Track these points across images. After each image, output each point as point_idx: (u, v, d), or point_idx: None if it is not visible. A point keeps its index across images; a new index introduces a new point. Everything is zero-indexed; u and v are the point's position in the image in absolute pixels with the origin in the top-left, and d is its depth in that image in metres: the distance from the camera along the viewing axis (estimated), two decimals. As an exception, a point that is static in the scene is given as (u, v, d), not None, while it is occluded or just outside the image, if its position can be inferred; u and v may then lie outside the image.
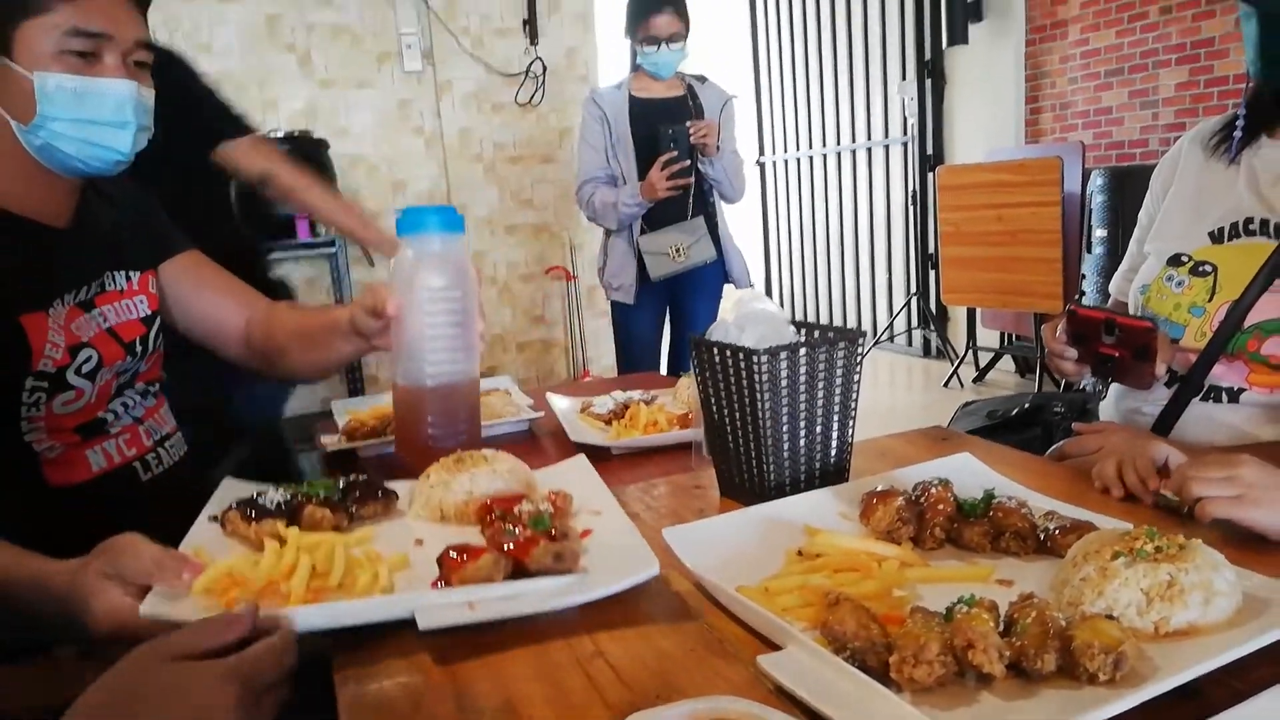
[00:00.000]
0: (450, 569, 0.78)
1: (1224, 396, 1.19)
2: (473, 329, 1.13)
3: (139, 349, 1.19)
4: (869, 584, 0.75)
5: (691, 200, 3.09)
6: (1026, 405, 1.77)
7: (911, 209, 5.55)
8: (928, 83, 5.36)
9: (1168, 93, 4.16)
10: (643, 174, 3.01)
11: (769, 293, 7.24)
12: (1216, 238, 1.22)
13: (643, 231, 3.11)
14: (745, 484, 0.99)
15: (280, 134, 3.62)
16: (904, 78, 5.51)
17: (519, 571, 0.79)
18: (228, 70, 3.82)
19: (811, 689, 0.60)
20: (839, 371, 0.97)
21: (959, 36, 4.94)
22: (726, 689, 0.63)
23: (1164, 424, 1.26)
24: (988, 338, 5.12)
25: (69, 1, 1.03)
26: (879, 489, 0.88)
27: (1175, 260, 1.26)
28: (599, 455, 1.30)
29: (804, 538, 0.85)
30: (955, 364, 5.00)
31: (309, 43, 3.94)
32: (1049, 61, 4.77)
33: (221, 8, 3.79)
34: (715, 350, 0.98)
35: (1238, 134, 1.25)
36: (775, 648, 0.68)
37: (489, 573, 0.78)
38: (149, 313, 1.23)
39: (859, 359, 0.99)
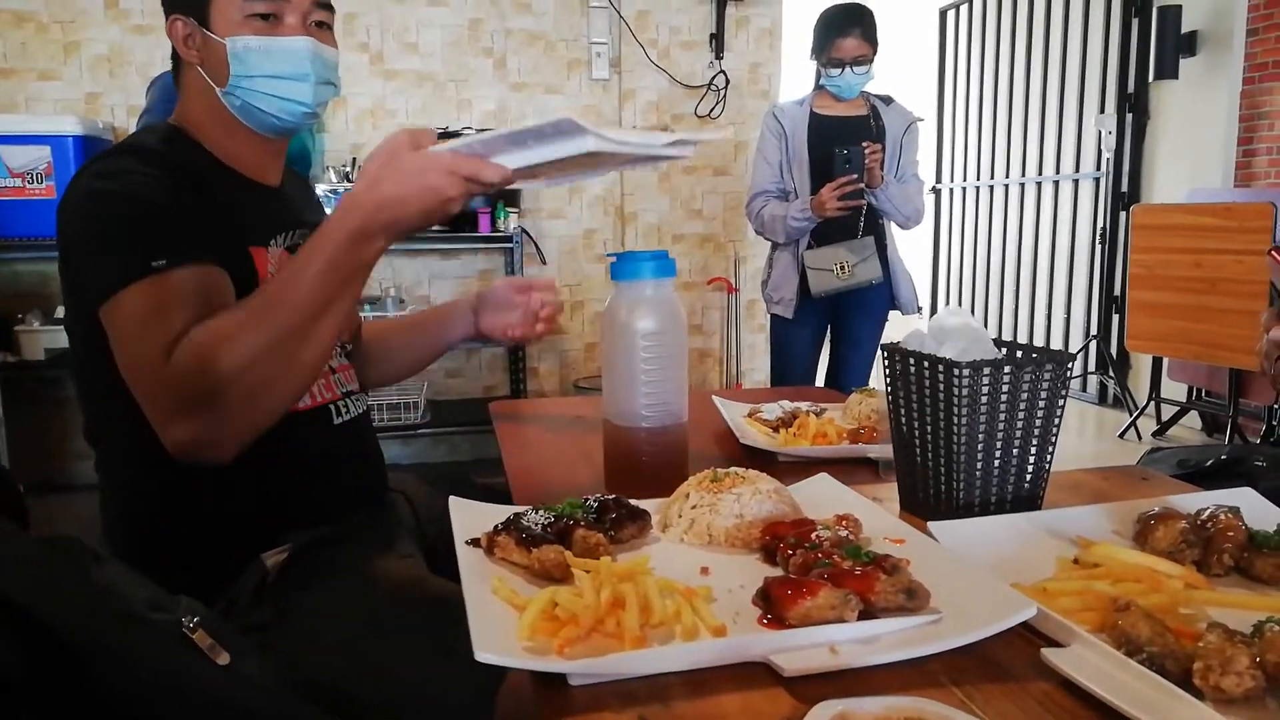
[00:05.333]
0: (787, 604, 0.71)
1: None
2: (683, 371, 1.16)
3: None
4: (1156, 597, 0.75)
5: (863, 219, 3.05)
6: (1224, 456, 1.65)
7: (1099, 248, 5.25)
8: (1128, 117, 5.06)
9: None
10: (815, 191, 2.98)
11: (932, 324, 7.01)
12: None
13: (809, 246, 3.08)
14: (930, 501, 0.97)
15: (473, 130, 3.81)
16: (1102, 110, 5.23)
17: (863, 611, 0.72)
18: (430, 70, 4.05)
19: (1104, 685, 0.61)
20: (1043, 394, 0.93)
21: (1168, 71, 4.64)
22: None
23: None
24: (1173, 390, 4.77)
25: None
26: (1157, 510, 0.88)
27: None
28: (763, 460, 1.30)
29: (1072, 548, 0.87)
30: (1134, 414, 4.68)
31: (505, 47, 4.12)
32: (1269, 102, 4.41)
33: (429, 11, 4.02)
34: (912, 360, 0.96)
35: None
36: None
37: (840, 611, 0.70)
38: None
39: (1066, 383, 0.95)
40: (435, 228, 3.90)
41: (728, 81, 4.32)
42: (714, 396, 1.62)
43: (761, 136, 3.18)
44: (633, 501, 0.94)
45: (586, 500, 0.92)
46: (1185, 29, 4.63)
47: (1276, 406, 3.99)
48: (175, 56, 1.25)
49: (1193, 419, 4.73)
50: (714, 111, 4.34)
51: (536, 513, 0.88)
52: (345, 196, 0.99)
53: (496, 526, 0.85)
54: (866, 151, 2.89)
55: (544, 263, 4.25)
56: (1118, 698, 0.60)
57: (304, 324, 0.99)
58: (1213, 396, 4.53)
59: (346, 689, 0.95)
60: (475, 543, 0.85)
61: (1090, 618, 0.72)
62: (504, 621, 0.71)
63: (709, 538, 0.90)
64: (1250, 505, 0.92)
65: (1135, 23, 4.99)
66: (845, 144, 2.91)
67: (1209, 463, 1.62)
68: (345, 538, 1.18)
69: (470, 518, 0.90)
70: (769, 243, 3.26)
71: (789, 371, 3.28)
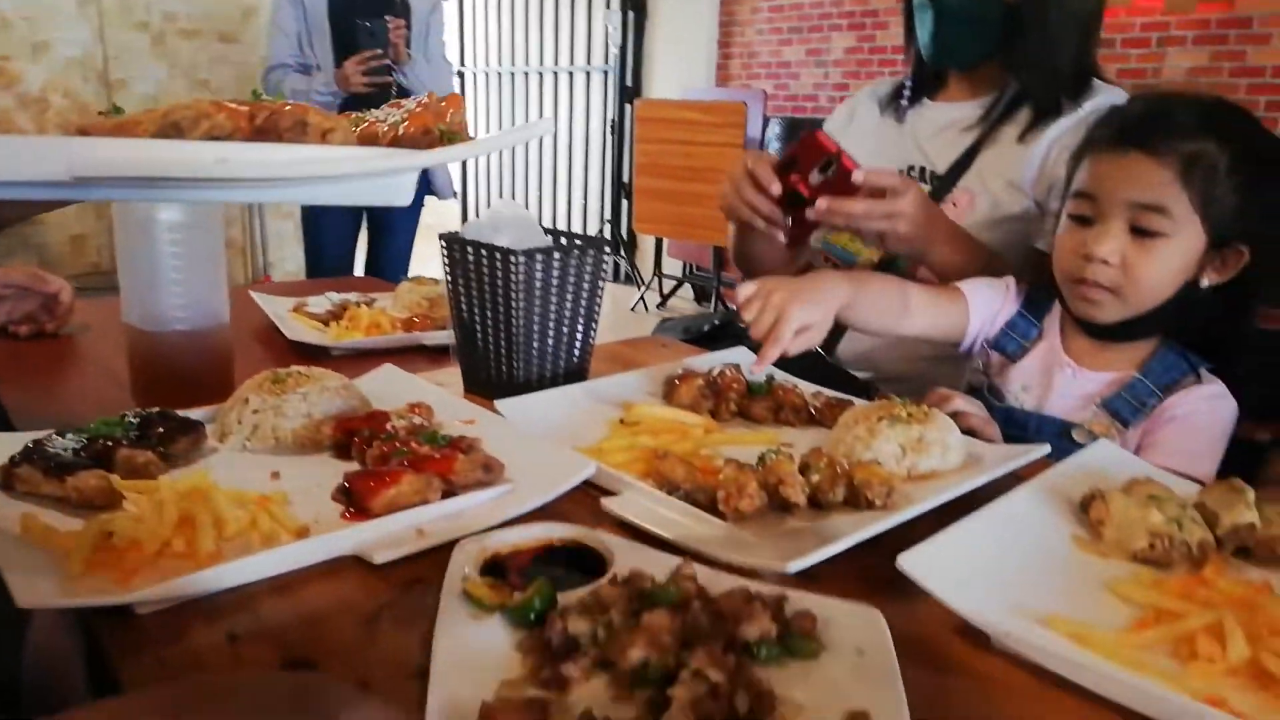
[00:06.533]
0: (370, 495, 0.71)
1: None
2: (220, 266, 1.05)
3: None
4: (685, 444, 0.90)
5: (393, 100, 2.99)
6: (716, 322, 1.98)
7: (610, 138, 5.73)
8: (630, 15, 5.51)
9: (838, 55, 4.64)
10: (340, 65, 2.87)
11: (464, 207, 7.15)
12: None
13: (340, 129, 2.96)
14: (493, 380, 1.02)
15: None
16: (608, 6, 5.62)
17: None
18: None
19: (653, 522, 0.73)
20: (587, 277, 1.02)
21: (662, -27, 5.12)
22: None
23: (834, 338, 1.47)
24: (671, 267, 5.48)
25: None
26: (680, 372, 1.03)
27: None
28: (315, 356, 1.26)
29: (618, 411, 0.98)
30: (642, 290, 5.31)
31: None
32: (740, 11, 5.10)
33: None
34: (470, 249, 0.99)
35: (905, 98, 1.47)
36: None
37: (424, 494, 0.73)
38: None
39: (604, 267, 1.05)
40: None
41: (230, -66, 3.85)
42: (252, 292, 1.52)
43: (276, 5, 2.93)
44: (181, 412, 0.86)
45: (125, 417, 0.82)
46: (676, -64, 5.12)
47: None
48: None
49: (687, 291, 5.49)
50: (216, -32, 3.85)
51: (63, 437, 0.77)
52: None
53: (13, 458, 0.73)
54: (390, 26, 2.83)
55: (5, 137, 3.50)
56: (662, 529, 0.72)
57: None
58: (702, 271, 5.29)
59: None
60: None
61: (638, 467, 0.83)
62: (44, 561, 0.61)
63: (275, 441, 0.86)
64: (746, 361, 1.12)
65: (634, -75, 5.39)
66: (368, 17, 2.82)
67: (706, 328, 1.92)
68: None
69: None
70: (294, 122, 3.05)
71: (325, 260, 3.16)
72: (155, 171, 0.51)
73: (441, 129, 0.65)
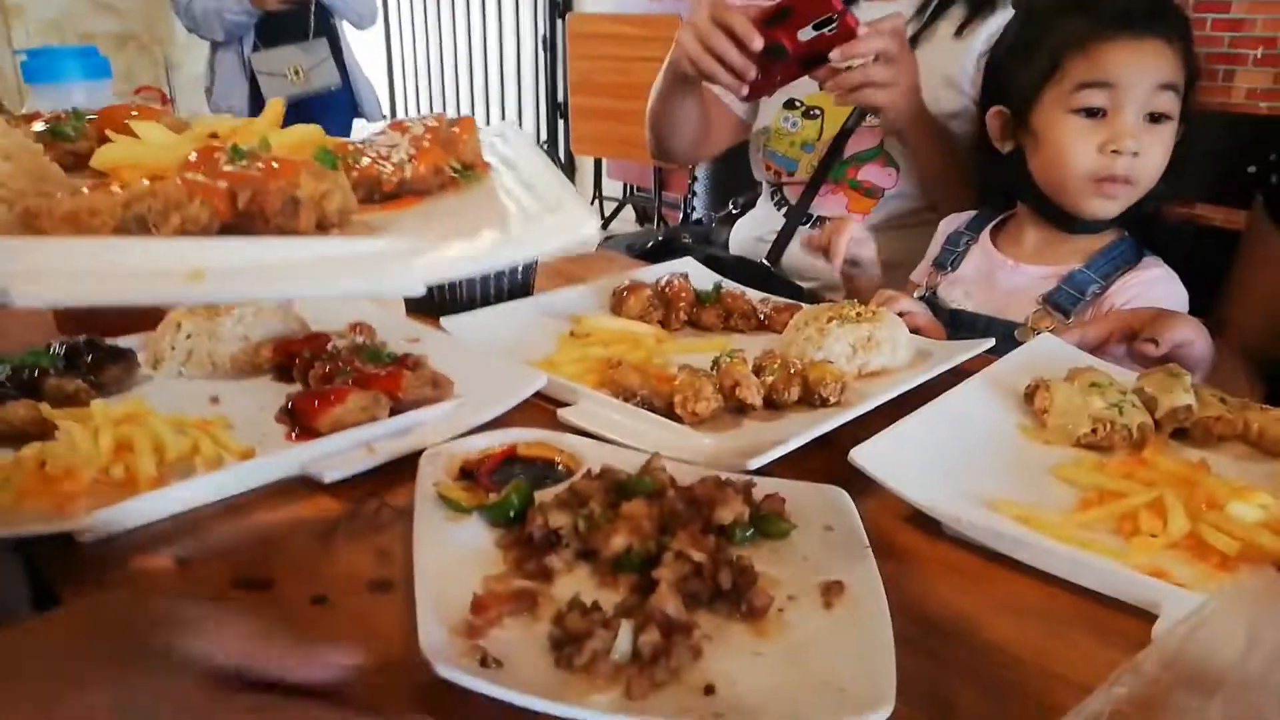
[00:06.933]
0: (315, 414, 0.70)
1: (827, 223, 1.40)
2: None
3: None
4: (637, 353, 0.90)
5: (313, 17, 2.86)
6: (660, 238, 1.96)
7: (542, 55, 5.57)
8: (558, -78, 5.31)
9: (772, -36, 4.54)
10: None
11: (394, 134, 6.93)
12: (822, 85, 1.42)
13: (256, 48, 2.83)
14: (435, 300, 1.00)
15: None
16: (533, -86, 5.41)
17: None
18: None
19: (611, 429, 0.73)
20: (528, 187, 0.99)
21: (590, -121, 4.92)
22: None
23: (778, 248, 1.47)
24: (611, 189, 5.41)
25: None
26: (627, 284, 1.02)
27: (790, 104, 1.45)
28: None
29: (568, 325, 0.97)
30: (581, 212, 5.24)
31: None
32: (672, -83, 4.93)
33: None
34: (405, 161, 0.95)
35: None
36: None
37: (371, 411, 0.71)
38: None
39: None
40: None
41: None
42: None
43: (181, -82, 2.76)
44: (109, 341, 0.83)
45: (50, 346, 0.79)
46: None
47: (689, 196, 4.75)
48: None
49: (629, 213, 5.43)
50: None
51: None
52: None
53: None
54: None
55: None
56: (620, 435, 0.72)
57: None
58: (643, 191, 5.23)
59: None
60: None
61: (591, 378, 0.83)
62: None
63: (212, 366, 0.84)
64: (693, 271, 1.11)
65: None
66: None
67: (650, 244, 1.90)
68: None
69: None
70: (208, 43, 2.91)
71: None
72: (114, 298, 0.43)
73: (454, 167, 0.62)
